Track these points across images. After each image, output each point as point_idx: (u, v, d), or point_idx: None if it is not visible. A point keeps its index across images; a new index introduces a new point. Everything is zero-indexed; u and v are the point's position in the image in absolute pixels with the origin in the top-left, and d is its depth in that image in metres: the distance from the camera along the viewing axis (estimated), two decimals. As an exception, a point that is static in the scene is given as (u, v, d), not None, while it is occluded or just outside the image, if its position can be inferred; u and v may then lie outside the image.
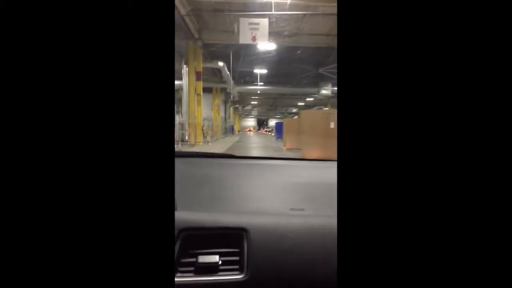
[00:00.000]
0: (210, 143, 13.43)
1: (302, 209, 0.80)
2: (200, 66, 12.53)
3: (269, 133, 31.16)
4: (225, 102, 25.23)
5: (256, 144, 15.38)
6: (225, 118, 25.12)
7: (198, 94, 12.66)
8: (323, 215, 0.68)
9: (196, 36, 11.41)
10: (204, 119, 16.70)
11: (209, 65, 13.73)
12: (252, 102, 32.99)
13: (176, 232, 0.61)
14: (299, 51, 12.32)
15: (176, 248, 0.59)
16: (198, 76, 12.52)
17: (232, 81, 16.21)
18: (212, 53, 13.84)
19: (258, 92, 20.22)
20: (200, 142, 12.56)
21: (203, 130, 13.39)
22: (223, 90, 21.49)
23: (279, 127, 18.23)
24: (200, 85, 12.72)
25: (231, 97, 20.26)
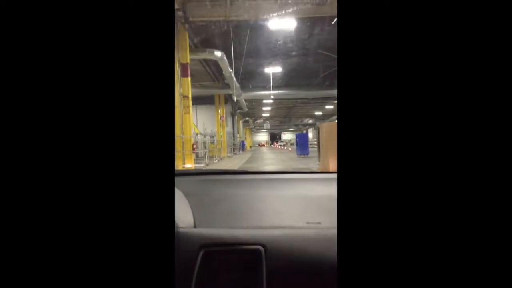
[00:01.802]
0: (205, 168, 9.27)
1: (319, 223, 0.83)
2: (187, 56, 8.58)
3: (284, 147, 28.88)
4: (233, 115, 21.57)
5: (273, 165, 11.14)
6: (233, 133, 21.33)
7: (186, 97, 8.67)
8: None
9: (178, 6, 7.56)
10: (204, 135, 12.86)
11: (201, 55, 9.76)
12: (263, 114, 29.28)
13: (195, 248, 0.64)
14: (334, 21, 8.20)
15: (196, 264, 0.62)
16: (184, 71, 8.52)
17: (235, 81, 12.14)
18: (204, 43, 9.94)
19: (272, 97, 16.03)
20: (191, 166, 8.49)
21: (194, 148, 9.26)
22: (229, 100, 17.65)
23: (301, 140, 14.11)
24: (188, 83, 8.71)
25: (234, 100, 15.93)
